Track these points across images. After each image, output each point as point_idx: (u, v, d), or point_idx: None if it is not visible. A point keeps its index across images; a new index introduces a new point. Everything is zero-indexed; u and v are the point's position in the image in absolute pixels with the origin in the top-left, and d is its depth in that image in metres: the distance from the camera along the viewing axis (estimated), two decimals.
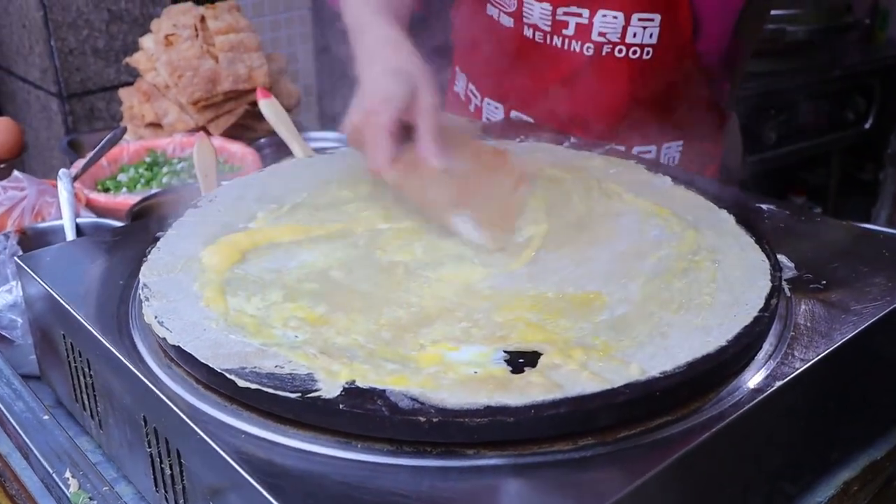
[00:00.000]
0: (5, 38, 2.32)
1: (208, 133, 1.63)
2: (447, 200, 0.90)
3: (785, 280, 0.83)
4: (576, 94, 1.20)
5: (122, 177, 1.48)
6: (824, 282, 0.83)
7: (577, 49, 1.19)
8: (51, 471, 0.79)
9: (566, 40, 1.20)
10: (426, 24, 1.45)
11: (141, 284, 0.81)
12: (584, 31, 1.19)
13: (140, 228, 0.99)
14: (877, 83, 2.98)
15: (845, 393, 0.79)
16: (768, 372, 0.71)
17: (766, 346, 0.74)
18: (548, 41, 1.22)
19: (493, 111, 1.35)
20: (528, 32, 1.24)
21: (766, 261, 0.82)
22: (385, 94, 0.93)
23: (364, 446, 0.64)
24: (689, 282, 0.79)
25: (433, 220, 0.90)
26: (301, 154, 1.34)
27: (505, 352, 0.69)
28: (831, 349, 0.74)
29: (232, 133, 1.67)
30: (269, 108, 1.40)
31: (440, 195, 0.90)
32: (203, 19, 1.70)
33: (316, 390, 0.65)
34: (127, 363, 0.75)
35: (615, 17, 1.16)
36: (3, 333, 0.98)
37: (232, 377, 0.67)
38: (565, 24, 1.19)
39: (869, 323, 0.77)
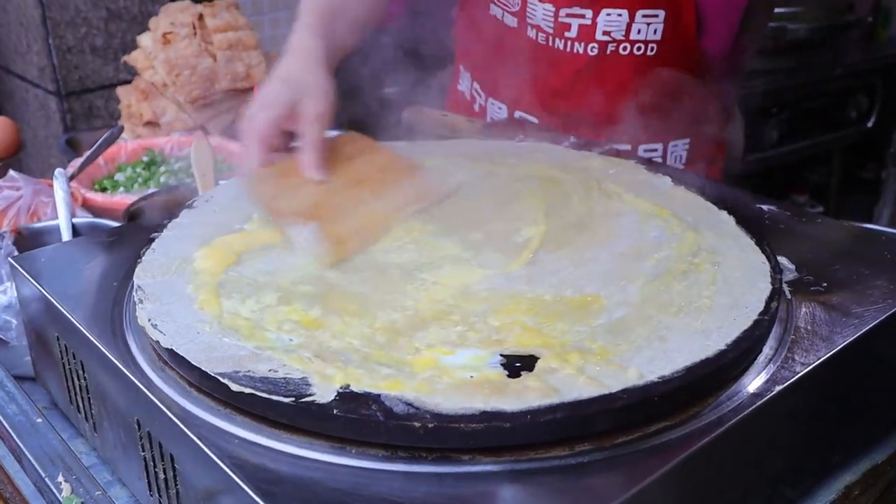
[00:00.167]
0: (3, 37, 2.32)
1: (206, 132, 1.62)
2: (297, 210, 0.87)
3: (785, 282, 0.82)
4: (580, 93, 1.19)
5: (119, 176, 1.47)
6: (825, 284, 0.83)
7: (581, 51, 1.19)
8: (43, 475, 0.78)
9: (569, 42, 1.19)
10: (422, 24, 1.44)
11: (135, 287, 0.80)
12: (587, 32, 1.18)
13: (135, 229, 0.98)
14: (879, 81, 2.97)
15: (846, 397, 0.78)
16: (768, 376, 0.70)
17: (766, 350, 0.73)
18: (550, 43, 1.21)
19: (497, 111, 1.34)
20: (531, 33, 1.23)
21: (767, 263, 0.81)
22: (265, 101, 0.94)
23: (358, 451, 0.63)
24: (688, 284, 0.78)
25: (280, 229, 0.87)
26: None
27: (501, 356, 0.68)
28: (832, 353, 0.73)
29: (230, 132, 1.66)
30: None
31: (294, 204, 0.88)
32: (201, 17, 1.69)
33: (310, 395, 0.64)
34: (120, 366, 0.74)
35: (619, 15, 1.15)
36: None
37: (225, 381, 0.66)
38: (568, 27, 1.19)
39: (870, 326, 0.76)
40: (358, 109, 1.49)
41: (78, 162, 1.41)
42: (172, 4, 1.76)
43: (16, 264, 0.90)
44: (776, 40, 2.65)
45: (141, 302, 0.77)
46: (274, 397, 0.64)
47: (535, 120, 1.27)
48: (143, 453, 0.73)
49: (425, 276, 0.80)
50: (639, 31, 1.15)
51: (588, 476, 0.61)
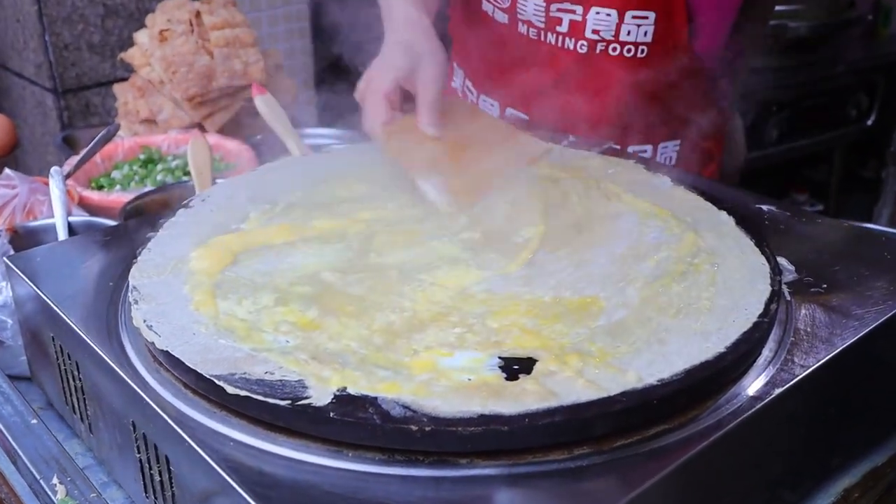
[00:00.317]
0: (0, 34, 2.31)
1: (203, 130, 1.62)
2: (423, 164, 0.96)
3: (785, 283, 0.82)
4: (570, 92, 1.18)
5: (115, 174, 1.47)
6: (825, 285, 0.82)
7: (571, 47, 1.18)
8: (38, 476, 0.78)
9: (560, 37, 1.19)
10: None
11: (130, 287, 0.79)
12: (577, 29, 1.17)
13: (132, 228, 0.97)
14: (880, 79, 2.96)
15: (846, 399, 0.78)
16: (768, 378, 0.70)
17: (766, 352, 0.73)
18: (542, 38, 1.20)
19: (489, 108, 1.33)
20: (522, 29, 1.23)
21: (766, 264, 0.81)
22: (388, 63, 1.02)
23: (355, 455, 0.63)
24: (687, 286, 0.77)
25: (409, 179, 0.95)
26: (296, 151, 1.32)
27: (500, 358, 0.68)
28: (832, 355, 0.72)
29: (227, 130, 1.65)
30: (265, 104, 1.38)
31: (419, 158, 0.96)
32: (198, 14, 1.68)
33: (306, 397, 0.64)
34: (115, 367, 0.73)
35: (608, 15, 1.15)
36: None
37: (221, 383, 0.66)
38: (559, 21, 1.18)
39: (870, 328, 0.75)
40: (350, 105, 1.48)
41: (74, 159, 1.40)
42: (169, 1, 1.75)
43: (11, 264, 0.89)
44: (776, 38, 2.64)
45: (136, 303, 0.77)
46: (270, 400, 0.64)
47: (525, 117, 1.27)
48: (138, 455, 0.73)
49: (423, 276, 0.80)
50: (628, 33, 1.15)
51: (586, 480, 0.61)
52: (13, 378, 0.94)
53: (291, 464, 0.63)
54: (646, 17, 1.14)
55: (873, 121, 2.98)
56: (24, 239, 1.11)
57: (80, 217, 1.18)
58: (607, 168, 1.02)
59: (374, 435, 0.62)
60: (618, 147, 1.14)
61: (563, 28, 1.18)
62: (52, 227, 1.12)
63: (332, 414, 0.62)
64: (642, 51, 1.16)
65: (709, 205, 0.93)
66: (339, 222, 0.90)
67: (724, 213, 0.91)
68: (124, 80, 1.78)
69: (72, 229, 1.12)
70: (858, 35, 3.01)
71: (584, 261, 0.83)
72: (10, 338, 0.96)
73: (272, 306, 0.75)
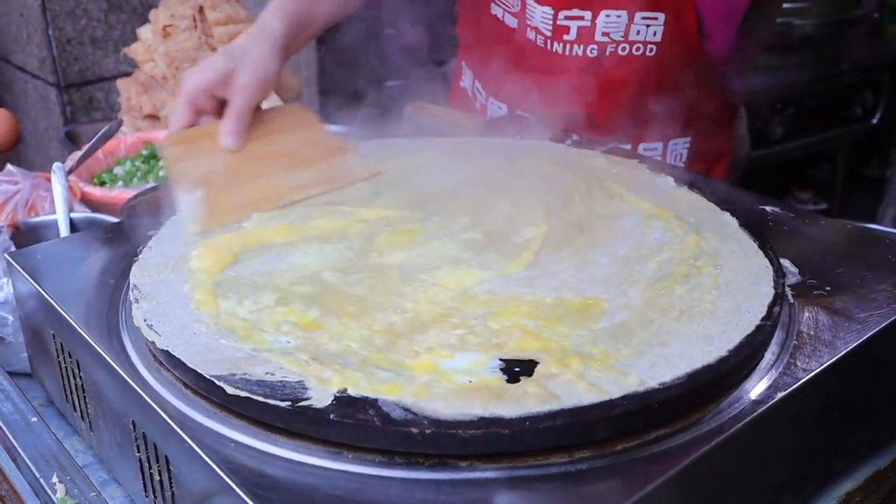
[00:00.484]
0: (3, 27, 2.31)
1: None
2: (195, 175, 0.89)
3: (788, 286, 0.81)
4: (580, 94, 1.18)
5: (118, 170, 1.47)
6: (828, 288, 0.82)
7: (580, 53, 1.18)
8: (38, 475, 0.78)
9: (567, 45, 1.18)
10: (424, 18, 1.43)
11: (131, 286, 0.79)
12: (586, 34, 1.17)
13: (133, 226, 0.97)
14: (885, 78, 2.95)
15: (850, 403, 0.77)
16: (770, 382, 0.70)
17: (769, 356, 0.72)
18: (549, 46, 1.20)
19: (497, 110, 1.33)
20: (530, 35, 1.22)
21: (770, 266, 0.81)
22: (202, 66, 0.97)
23: (355, 457, 0.62)
24: (690, 288, 0.77)
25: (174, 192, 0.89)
26: None
27: (501, 360, 0.68)
28: (835, 359, 0.72)
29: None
30: (267, 102, 1.38)
31: (196, 169, 0.90)
32: (202, 10, 1.68)
33: (306, 399, 0.63)
34: (115, 366, 0.73)
35: (619, 17, 1.14)
36: None
37: (221, 384, 0.66)
38: (566, 30, 1.18)
39: (873, 332, 0.75)
40: (360, 103, 1.48)
41: (77, 155, 1.40)
42: None
43: (12, 261, 0.89)
44: (781, 36, 2.63)
45: (137, 301, 0.77)
46: (270, 401, 0.64)
47: (533, 118, 1.26)
48: (138, 454, 0.72)
49: (424, 277, 0.79)
50: (637, 33, 1.15)
51: (587, 483, 0.61)
52: (13, 374, 0.94)
53: (291, 465, 0.62)
54: (655, 18, 1.14)
55: (878, 119, 2.97)
56: (25, 235, 1.11)
57: (81, 213, 1.18)
58: (611, 168, 1.02)
59: (375, 437, 0.62)
60: (627, 146, 1.14)
61: (571, 36, 1.18)
62: (54, 224, 1.12)
63: (332, 416, 0.62)
64: (651, 49, 1.16)
65: (712, 206, 0.93)
66: (339, 222, 0.90)
67: (727, 215, 0.90)
68: (127, 75, 1.78)
69: (73, 226, 1.12)
70: (864, 33, 3.00)
71: (586, 261, 0.82)
72: (10, 334, 0.96)
73: (273, 306, 0.75)
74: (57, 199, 1.13)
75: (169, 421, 0.66)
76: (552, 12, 1.18)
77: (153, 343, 0.71)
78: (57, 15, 2.09)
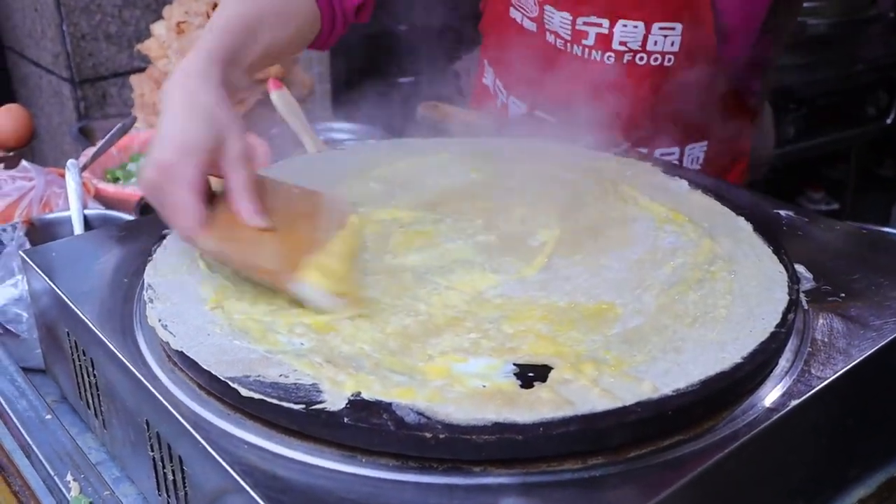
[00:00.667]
0: (18, 22, 2.31)
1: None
2: (280, 265, 0.78)
3: (803, 292, 0.81)
4: (598, 99, 1.18)
5: (131, 166, 1.47)
6: (843, 294, 0.81)
7: (598, 58, 1.18)
8: (52, 472, 0.78)
9: (586, 49, 1.18)
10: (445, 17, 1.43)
11: (145, 285, 0.80)
12: (604, 41, 1.17)
13: (147, 223, 0.97)
14: None
15: (865, 410, 0.77)
16: (784, 389, 0.69)
17: (783, 363, 0.72)
18: (568, 49, 1.20)
19: (518, 109, 1.34)
20: (550, 38, 1.23)
21: (784, 272, 0.80)
22: (185, 142, 0.78)
23: (368, 461, 0.63)
24: (704, 293, 0.77)
25: (270, 287, 0.78)
26: (311, 147, 1.32)
27: (514, 364, 0.68)
28: (849, 367, 0.72)
29: (243, 124, 1.65)
30: (281, 99, 1.38)
31: (270, 260, 0.78)
32: (215, 6, 1.68)
33: (321, 402, 0.64)
34: (130, 366, 0.73)
35: (636, 27, 1.14)
36: (9, 327, 0.97)
37: (235, 386, 0.66)
38: (585, 35, 1.18)
39: (888, 340, 0.74)
40: (375, 103, 1.48)
41: (91, 150, 1.41)
42: None
43: (27, 258, 0.90)
44: (796, 35, 2.62)
45: (151, 301, 0.77)
46: (284, 404, 0.64)
47: (553, 120, 1.26)
48: (151, 454, 0.73)
49: (438, 279, 0.79)
50: (655, 43, 1.14)
51: (601, 490, 0.61)
52: (28, 371, 0.95)
53: (304, 468, 0.63)
54: (672, 28, 1.13)
55: (893, 119, 2.95)
56: (40, 231, 1.12)
57: (95, 210, 1.19)
58: (624, 170, 1.01)
59: (388, 441, 0.62)
60: (644, 150, 1.14)
61: (590, 41, 1.17)
62: (68, 220, 1.13)
63: (346, 419, 0.62)
64: (669, 59, 1.16)
65: (726, 210, 0.92)
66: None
67: (741, 219, 0.90)
68: (141, 70, 1.79)
69: (87, 222, 1.13)
70: (879, 32, 2.97)
71: (599, 266, 0.82)
72: (25, 331, 0.97)
73: (287, 307, 0.75)
74: (71, 195, 1.14)
75: (183, 421, 0.67)
76: (570, 18, 1.18)
77: (167, 343, 0.72)
78: (71, 10, 2.09)
